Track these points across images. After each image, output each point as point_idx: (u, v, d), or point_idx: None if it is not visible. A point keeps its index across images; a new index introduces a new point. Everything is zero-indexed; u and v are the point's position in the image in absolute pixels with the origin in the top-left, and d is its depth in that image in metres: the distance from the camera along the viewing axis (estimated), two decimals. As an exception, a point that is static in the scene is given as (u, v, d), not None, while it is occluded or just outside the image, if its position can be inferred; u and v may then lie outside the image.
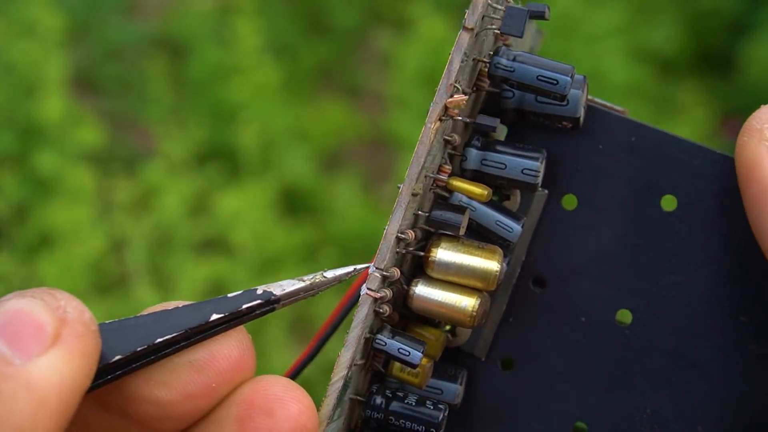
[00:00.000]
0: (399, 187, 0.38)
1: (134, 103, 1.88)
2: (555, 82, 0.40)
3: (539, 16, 0.41)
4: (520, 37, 0.40)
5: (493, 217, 0.41)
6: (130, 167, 1.75)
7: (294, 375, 0.43)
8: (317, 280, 0.38)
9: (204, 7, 1.96)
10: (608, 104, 0.43)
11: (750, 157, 0.40)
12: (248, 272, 1.61)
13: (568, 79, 0.40)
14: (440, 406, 0.40)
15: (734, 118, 1.77)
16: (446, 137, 0.40)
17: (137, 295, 1.58)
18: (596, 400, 0.43)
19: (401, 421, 0.40)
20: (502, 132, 0.43)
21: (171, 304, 0.37)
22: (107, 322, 0.36)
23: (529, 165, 0.41)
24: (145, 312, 0.37)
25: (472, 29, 0.39)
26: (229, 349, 0.37)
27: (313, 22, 2.02)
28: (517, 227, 0.41)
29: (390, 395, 0.41)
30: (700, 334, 0.42)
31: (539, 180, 0.41)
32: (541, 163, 0.41)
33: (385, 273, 0.38)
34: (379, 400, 0.41)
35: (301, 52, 1.97)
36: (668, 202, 0.42)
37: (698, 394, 0.42)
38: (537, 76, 0.40)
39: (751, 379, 0.41)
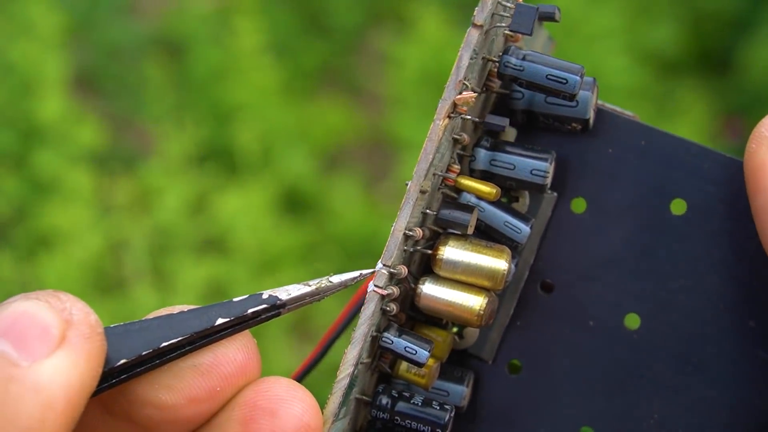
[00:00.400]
0: (407, 184, 0.38)
1: (134, 103, 1.88)
2: (564, 81, 0.40)
3: (549, 17, 0.41)
4: (530, 35, 0.40)
5: (501, 217, 0.41)
6: (130, 167, 1.75)
7: (300, 378, 0.43)
8: (323, 285, 0.38)
9: (204, 7, 1.96)
10: (618, 109, 0.43)
11: (758, 165, 0.39)
12: (248, 272, 1.61)
13: (578, 78, 0.40)
14: (446, 407, 0.40)
15: (737, 118, 1.77)
16: (455, 136, 0.40)
17: (137, 295, 1.58)
18: (603, 405, 0.42)
19: (407, 421, 0.40)
20: (511, 134, 0.43)
21: (176, 309, 0.37)
22: (112, 326, 0.36)
23: (538, 166, 0.41)
24: (150, 316, 0.37)
25: (481, 26, 0.38)
26: (234, 353, 0.37)
27: (314, 22, 2.01)
28: (525, 228, 0.41)
29: (396, 395, 0.40)
30: (709, 339, 0.41)
31: (548, 181, 0.41)
32: (550, 164, 0.41)
33: (392, 270, 0.38)
34: (384, 400, 0.40)
35: (302, 52, 1.97)
36: (678, 206, 0.42)
37: (706, 399, 0.42)
38: (546, 75, 0.40)
39: (760, 386, 0.41)
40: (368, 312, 0.38)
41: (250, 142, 1.72)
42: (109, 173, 1.72)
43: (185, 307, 0.37)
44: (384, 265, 0.38)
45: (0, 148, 1.68)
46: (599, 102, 0.43)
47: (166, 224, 1.65)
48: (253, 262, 1.63)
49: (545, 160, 0.41)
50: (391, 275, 0.38)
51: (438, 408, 0.40)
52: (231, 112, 1.77)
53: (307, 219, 1.74)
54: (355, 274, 0.38)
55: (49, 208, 1.60)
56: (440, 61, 1.76)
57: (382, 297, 0.38)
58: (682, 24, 1.84)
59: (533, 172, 0.41)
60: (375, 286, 0.38)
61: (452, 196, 0.41)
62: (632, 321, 0.42)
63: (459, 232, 0.40)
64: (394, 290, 0.38)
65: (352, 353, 0.38)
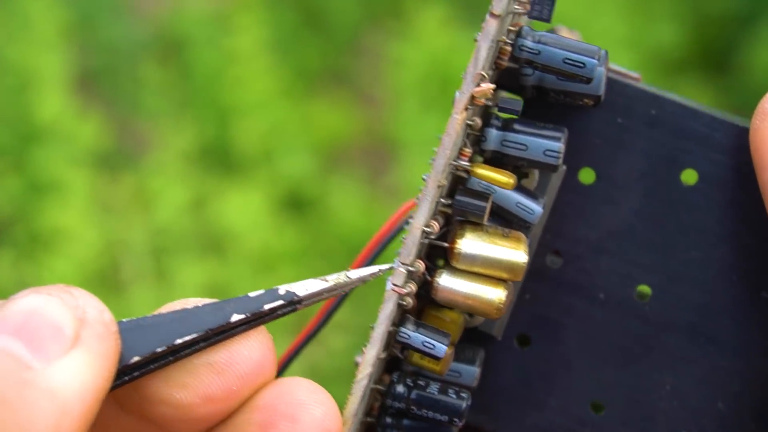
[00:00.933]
0: (424, 178, 0.37)
1: (134, 102, 1.87)
2: (582, 65, 0.38)
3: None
4: (549, 22, 0.39)
5: (513, 199, 0.40)
6: (130, 167, 1.74)
7: (284, 365, 0.42)
8: (341, 281, 0.37)
9: (204, 7, 1.96)
10: (623, 70, 0.42)
11: (763, 141, 0.39)
12: (249, 272, 1.61)
13: (595, 61, 0.38)
14: (463, 394, 0.39)
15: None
16: (468, 122, 0.39)
17: (137, 295, 1.57)
18: (614, 377, 0.42)
19: (423, 410, 0.39)
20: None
21: (190, 302, 0.36)
22: (125, 320, 0.35)
23: (552, 146, 0.39)
24: (163, 309, 0.36)
25: (499, 16, 0.37)
26: (250, 350, 0.36)
27: (314, 22, 2.01)
28: (538, 209, 0.40)
29: (411, 384, 0.40)
30: (721, 310, 0.41)
31: (561, 161, 0.40)
32: (564, 143, 0.40)
33: (410, 268, 0.37)
34: (401, 389, 0.40)
35: (302, 52, 1.96)
36: (689, 176, 0.41)
37: (718, 370, 0.41)
38: (563, 59, 0.38)
39: None
40: (387, 311, 0.37)
41: (251, 142, 1.71)
42: (110, 173, 1.72)
43: (199, 301, 0.36)
44: (402, 263, 0.37)
45: None
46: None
47: (166, 224, 1.65)
48: (254, 261, 1.63)
49: (558, 139, 0.39)
50: (409, 273, 0.37)
51: (455, 396, 0.39)
52: (231, 112, 1.76)
53: (308, 218, 1.73)
54: (374, 269, 0.37)
55: (48, 208, 1.59)
56: (441, 60, 1.76)
57: (400, 295, 0.37)
58: (685, 23, 1.84)
59: (546, 152, 0.39)
60: (394, 285, 0.37)
61: (462, 177, 0.40)
62: (643, 293, 0.42)
63: (475, 221, 0.39)
64: (413, 287, 0.38)
65: (370, 353, 0.37)
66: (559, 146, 0.39)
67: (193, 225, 1.65)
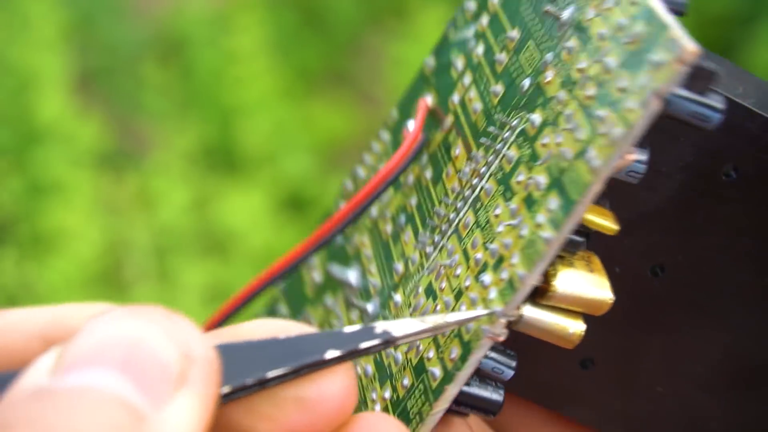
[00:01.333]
0: (547, 241, 0.37)
1: (135, 103, 1.87)
2: (707, 119, 0.38)
3: (679, 12, 0.39)
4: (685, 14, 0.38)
5: None
6: (132, 167, 1.74)
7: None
8: (439, 323, 0.37)
9: (205, 7, 1.95)
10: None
11: None
12: (251, 273, 1.60)
13: (720, 116, 0.38)
14: (500, 390, 0.38)
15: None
16: None
17: (139, 295, 1.57)
18: (608, 338, 0.41)
19: (461, 407, 0.38)
20: None
21: (278, 325, 0.34)
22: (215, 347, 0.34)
23: (636, 168, 0.37)
24: (246, 328, 0.34)
25: (666, 99, 0.35)
26: (339, 388, 0.34)
27: (315, 22, 2.01)
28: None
29: None
30: (730, 293, 0.41)
31: (639, 180, 0.38)
32: (647, 165, 0.38)
33: (510, 318, 0.37)
34: None
35: (302, 52, 1.96)
36: (730, 172, 0.41)
37: (709, 340, 0.42)
38: (690, 112, 0.38)
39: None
40: (477, 356, 0.36)
41: (252, 142, 1.71)
42: (111, 173, 1.71)
43: (290, 327, 0.34)
44: (504, 314, 0.37)
45: (0, 147, 1.67)
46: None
47: (168, 224, 1.64)
48: (255, 261, 1.62)
49: (644, 161, 0.37)
50: (508, 321, 0.37)
51: (496, 394, 0.38)
52: (232, 112, 1.76)
53: (308, 219, 1.73)
54: (474, 314, 0.37)
55: (50, 208, 1.59)
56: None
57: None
58: (685, 23, 1.83)
59: (629, 173, 0.37)
60: (492, 333, 0.37)
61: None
62: (658, 270, 0.42)
63: (561, 255, 0.38)
64: (506, 331, 0.37)
65: (452, 391, 0.37)
66: (644, 168, 0.38)
67: (195, 225, 1.65)
